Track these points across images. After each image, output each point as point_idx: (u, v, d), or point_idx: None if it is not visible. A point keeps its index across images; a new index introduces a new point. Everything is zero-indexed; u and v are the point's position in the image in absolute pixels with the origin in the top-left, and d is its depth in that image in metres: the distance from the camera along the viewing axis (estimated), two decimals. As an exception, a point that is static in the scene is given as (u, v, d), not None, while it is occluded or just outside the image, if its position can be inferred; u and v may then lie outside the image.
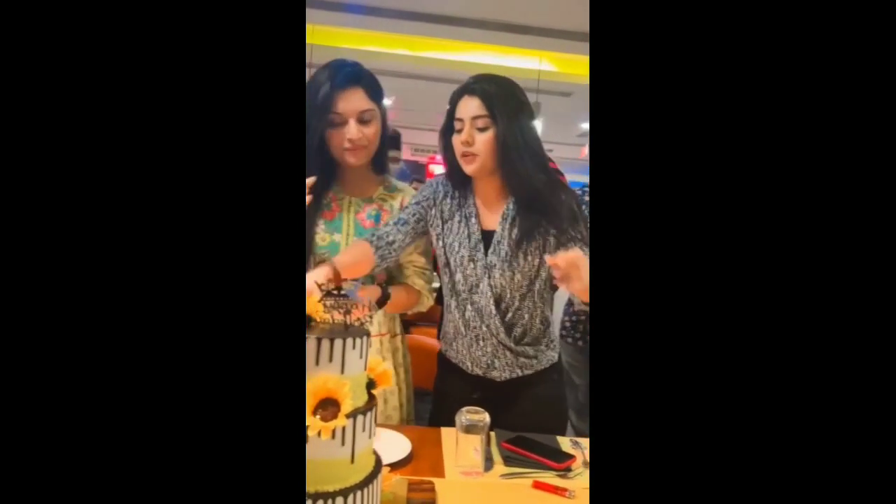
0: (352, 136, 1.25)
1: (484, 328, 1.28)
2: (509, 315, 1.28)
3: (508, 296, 1.28)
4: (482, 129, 1.21)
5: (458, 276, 1.30)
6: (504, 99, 1.22)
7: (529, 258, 1.26)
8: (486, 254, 1.28)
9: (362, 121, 1.26)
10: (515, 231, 1.26)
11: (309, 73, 1.27)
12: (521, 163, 1.22)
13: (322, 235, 1.32)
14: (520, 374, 1.30)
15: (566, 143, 7.53)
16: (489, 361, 1.30)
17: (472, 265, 1.29)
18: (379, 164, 1.38)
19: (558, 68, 4.20)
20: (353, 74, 1.25)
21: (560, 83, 4.55)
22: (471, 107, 1.22)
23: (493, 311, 1.27)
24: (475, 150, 1.22)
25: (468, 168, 1.24)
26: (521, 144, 1.21)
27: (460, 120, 1.24)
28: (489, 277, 1.27)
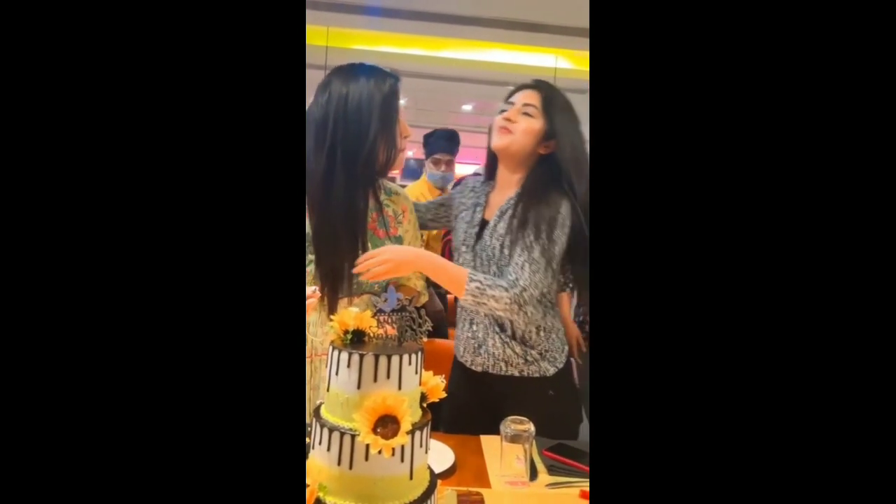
0: (406, 132, 1.24)
1: (472, 312, 1.32)
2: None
3: None
4: (528, 115, 1.27)
5: (457, 261, 1.35)
6: (561, 104, 1.29)
7: (514, 260, 1.23)
8: (475, 243, 1.31)
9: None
10: (503, 225, 1.26)
11: (323, 75, 1.23)
12: (556, 171, 1.25)
13: None
14: (503, 369, 1.29)
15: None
16: (479, 344, 1.30)
17: (465, 248, 1.33)
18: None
19: (575, 65, 4.17)
20: (397, 76, 1.25)
21: (576, 80, 4.52)
22: (527, 95, 1.30)
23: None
24: (513, 127, 1.28)
25: (500, 139, 1.28)
26: (569, 160, 1.24)
27: (511, 103, 1.31)
28: (474, 267, 1.30)
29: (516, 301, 1.17)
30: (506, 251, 1.24)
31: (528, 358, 1.28)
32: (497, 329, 1.29)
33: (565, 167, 1.25)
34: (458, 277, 1.17)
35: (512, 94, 1.34)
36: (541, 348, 1.30)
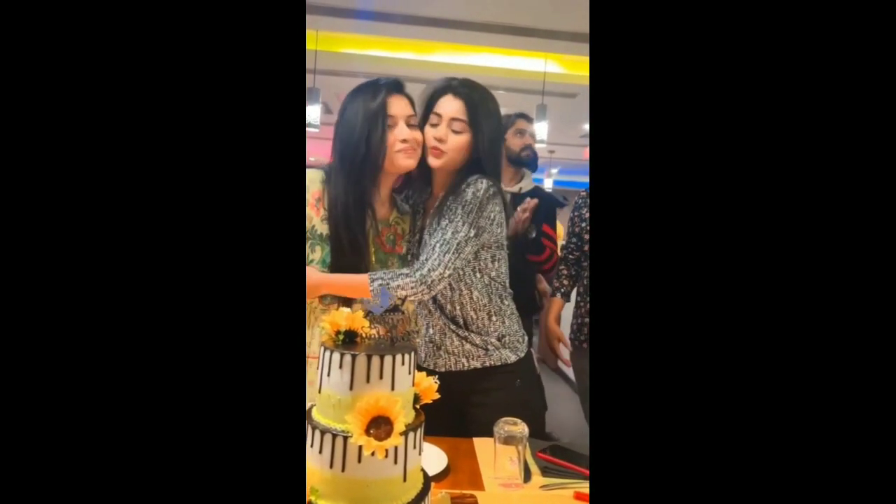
0: (405, 136, 1.25)
1: (426, 313, 1.33)
2: (448, 307, 1.30)
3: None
4: (457, 132, 1.27)
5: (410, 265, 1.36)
6: (485, 108, 1.28)
7: (429, 244, 1.25)
8: (419, 247, 1.32)
9: (410, 125, 1.27)
10: (434, 223, 1.28)
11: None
12: (482, 167, 1.28)
13: None
14: (465, 364, 1.30)
15: (569, 144, 7.52)
16: (437, 346, 1.32)
17: (411, 255, 1.34)
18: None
19: (565, 69, 4.19)
20: (396, 84, 1.28)
21: (565, 84, 4.54)
22: (453, 107, 1.27)
23: (431, 302, 1.31)
24: (445, 147, 1.27)
25: (433, 161, 1.28)
26: (488, 153, 1.29)
27: (438, 115, 1.28)
28: None
29: (422, 282, 1.17)
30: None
31: (489, 347, 1.31)
32: (452, 327, 1.30)
33: (483, 156, 1.28)
34: (361, 284, 1.17)
35: (434, 99, 1.30)
36: (498, 333, 1.32)
